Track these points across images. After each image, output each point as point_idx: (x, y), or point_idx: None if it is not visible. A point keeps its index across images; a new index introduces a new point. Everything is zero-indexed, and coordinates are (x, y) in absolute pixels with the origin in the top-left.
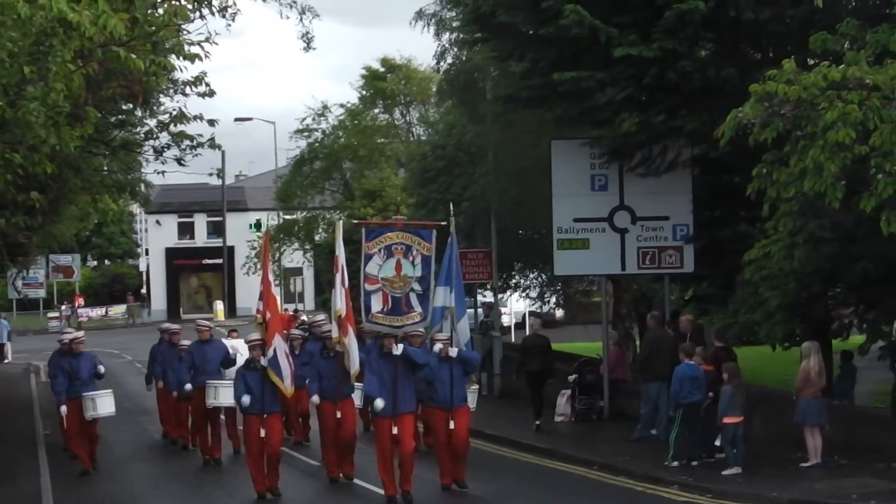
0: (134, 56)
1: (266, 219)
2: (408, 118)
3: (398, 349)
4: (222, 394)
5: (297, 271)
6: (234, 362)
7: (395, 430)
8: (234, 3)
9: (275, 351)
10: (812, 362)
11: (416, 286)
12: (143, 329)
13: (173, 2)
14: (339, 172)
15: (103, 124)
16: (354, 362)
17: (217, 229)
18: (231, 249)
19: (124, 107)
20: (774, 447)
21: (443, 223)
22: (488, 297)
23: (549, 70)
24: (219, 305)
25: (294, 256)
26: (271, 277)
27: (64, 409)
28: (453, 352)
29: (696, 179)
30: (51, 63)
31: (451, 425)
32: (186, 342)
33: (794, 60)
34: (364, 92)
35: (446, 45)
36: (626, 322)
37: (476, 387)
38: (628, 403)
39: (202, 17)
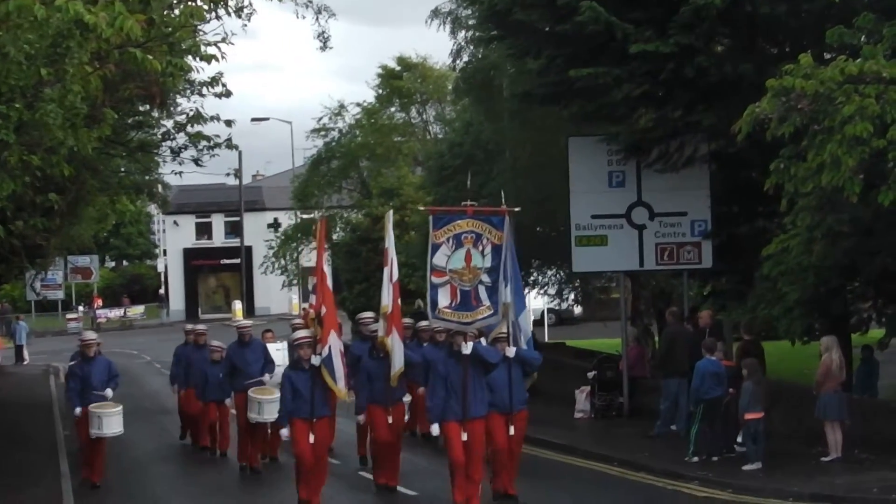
0: (150, 57)
1: (284, 218)
2: (424, 116)
3: (468, 348)
4: (267, 409)
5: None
6: (274, 365)
7: (464, 437)
8: (250, 4)
9: (330, 349)
10: (833, 356)
11: (486, 278)
12: (160, 329)
13: (189, 2)
14: (357, 171)
15: (121, 126)
16: (397, 361)
17: (235, 229)
18: (249, 249)
19: (141, 108)
20: (794, 442)
21: (516, 209)
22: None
23: (566, 67)
24: (237, 305)
25: (312, 255)
26: (326, 269)
27: (78, 410)
28: (510, 351)
29: (714, 175)
30: (68, 65)
31: (512, 431)
32: (217, 343)
33: (811, 55)
34: (380, 91)
35: (462, 43)
36: (644, 318)
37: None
38: (648, 399)
39: (218, 17)
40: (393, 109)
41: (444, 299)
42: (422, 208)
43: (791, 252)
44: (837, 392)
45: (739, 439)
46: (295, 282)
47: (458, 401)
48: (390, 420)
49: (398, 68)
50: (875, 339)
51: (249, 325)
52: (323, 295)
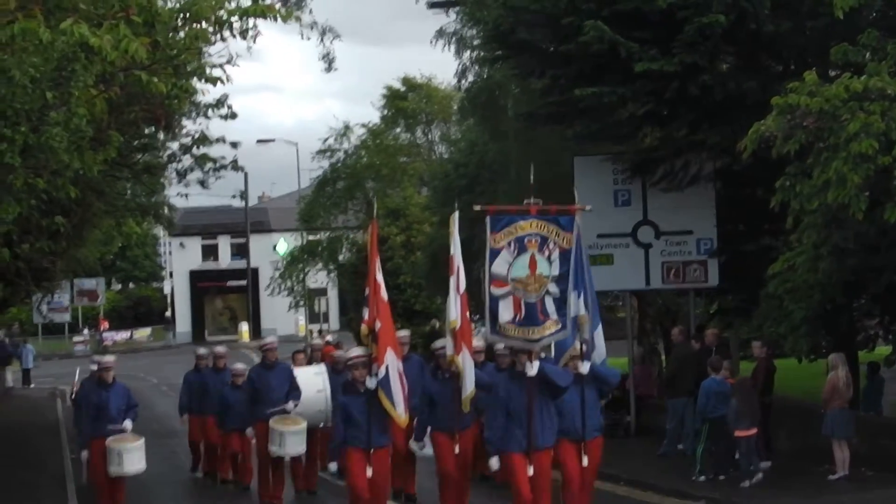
0: (156, 80)
1: (289, 240)
2: (430, 136)
3: (533, 368)
4: (290, 441)
5: (322, 292)
6: (300, 392)
7: (530, 471)
8: (255, 25)
9: (387, 369)
10: (840, 374)
11: (553, 287)
12: (168, 352)
13: (194, 25)
14: (362, 192)
15: (126, 148)
16: (468, 384)
17: (241, 251)
18: (255, 271)
19: (147, 130)
20: (801, 460)
21: (587, 208)
22: None
23: (570, 86)
24: (244, 327)
25: (318, 277)
26: (379, 278)
27: (85, 454)
28: (584, 367)
29: (720, 193)
30: (73, 88)
31: (585, 461)
32: (240, 366)
33: (816, 72)
34: (385, 111)
35: (467, 63)
36: (651, 337)
37: None
38: (654, 418)
39: (223, 39)
40: (398, 130)
41: (506, 313)
42: (477, 207)
43: (797, 270)
44: (844, 410)
45: (736, 455)
46: (301, 303)
47: (522, 429)
48: (457, 450)
49: (403, 89)
50: (882, 356)
51: (275, 342)
52: (378, 307)
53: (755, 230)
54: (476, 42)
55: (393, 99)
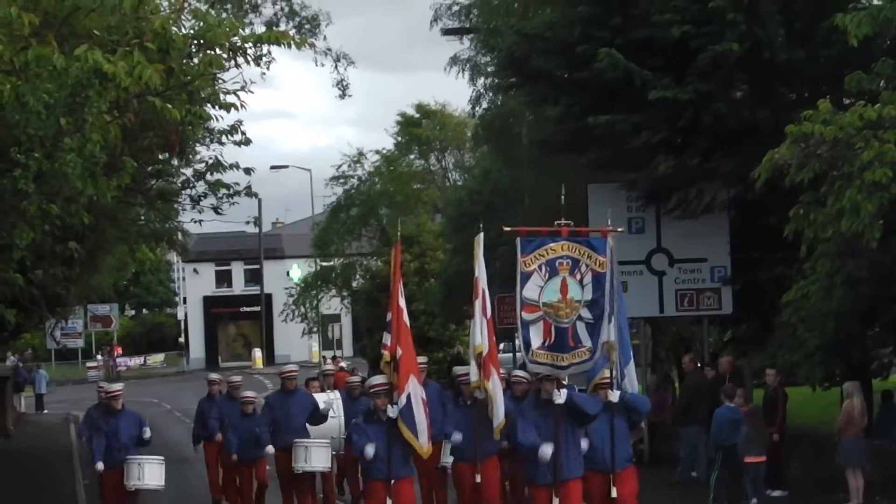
0: (170, 106)
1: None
2: (443, 163)
3: (561, 396)
4: (315, 455)
5: (335, 318)
6: (325, 417)
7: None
8: (269, 52)
9: (408, 398)
10: (855, 402)
11: (585, 313)
12: (181, 378)
13: (208, 51)
14: (376, 218)
15: (140, 174)
16: (499, 412)
17: (254, 277)
18: (269, 297)
19: (161, 156)
20: (815, 488)
21: (619, 229)
22: None
23: (584, 114)
24: (257, 353)
25: (332, 303)
26: (402, 302)
27: (100, 465)
28: (614, 395)
29: (733, 221)
30: (87, 114)
31: (614, 493)
32: (249, 393)
33: (830, 100)
34: (399, 138)
35: (481, 90)
36: (664, 365)
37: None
38: (668, 446)
39: (237, 65)
40: (412, 157)
41: (536, 338)
42: (507, 229)
43: (811, 298)
44: (859, 438)
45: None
46: (315, 330)
47: (547, 461)
48: (478, 479)
49: (417, 115)
50: (895, 384)
51: (296, 370)
52: (399, 333)
53: (769, 258)
54: (490, 69)
55: (407, 126)
